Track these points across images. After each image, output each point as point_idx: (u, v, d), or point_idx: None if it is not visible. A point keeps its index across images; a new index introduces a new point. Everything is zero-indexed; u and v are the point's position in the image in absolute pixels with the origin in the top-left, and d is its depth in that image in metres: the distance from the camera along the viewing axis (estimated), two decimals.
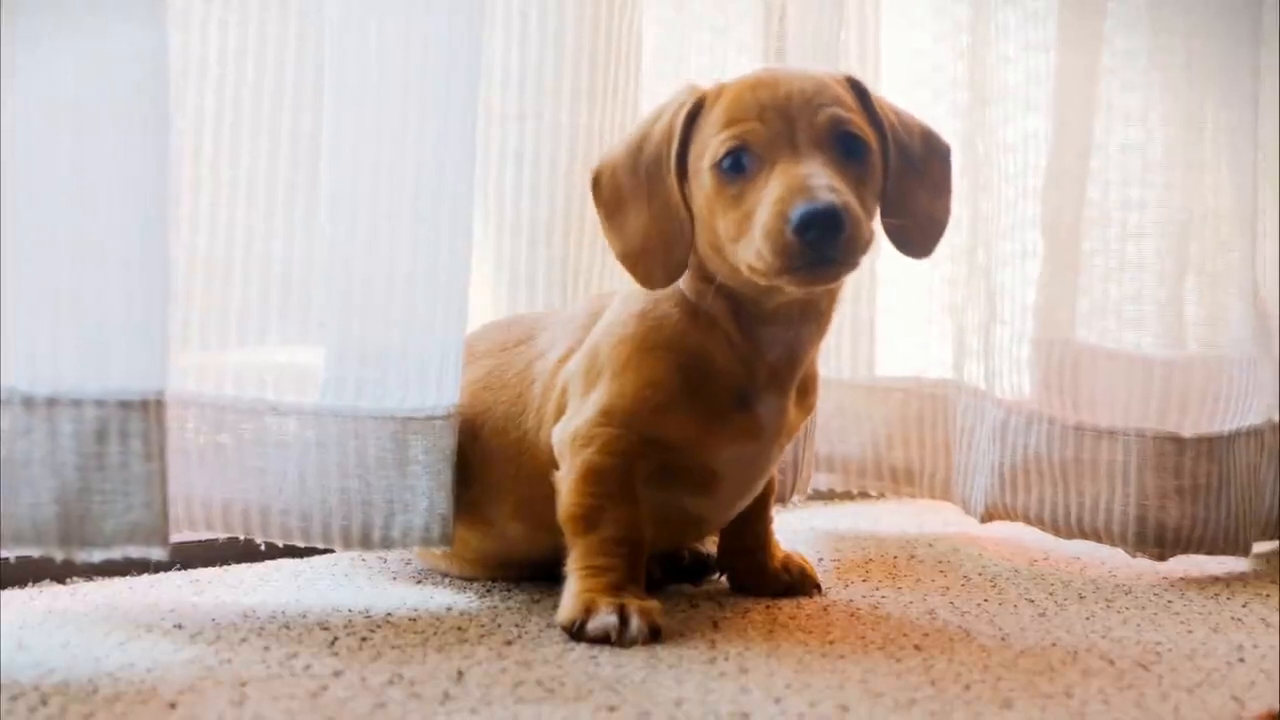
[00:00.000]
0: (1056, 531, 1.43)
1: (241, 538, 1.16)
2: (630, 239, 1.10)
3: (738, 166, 1.04)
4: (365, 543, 1.15)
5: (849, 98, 1.08)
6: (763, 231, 1.00)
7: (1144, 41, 1.44)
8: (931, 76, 1.59)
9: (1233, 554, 1.42)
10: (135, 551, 0.98)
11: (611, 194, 1.11)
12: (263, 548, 1.21)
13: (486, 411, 1.18)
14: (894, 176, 1.10)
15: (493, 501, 1.18)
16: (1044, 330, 1.46)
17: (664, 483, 1.12)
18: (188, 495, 1.14)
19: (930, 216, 1.13)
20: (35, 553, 0.97)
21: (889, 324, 1.65)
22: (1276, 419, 1.49)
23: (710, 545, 1.29)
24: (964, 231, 1.53)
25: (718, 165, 1.05)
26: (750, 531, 1.23)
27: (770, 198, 1.01)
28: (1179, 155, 1.44)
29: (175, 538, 1.25)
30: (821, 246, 0.99)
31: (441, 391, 1.15)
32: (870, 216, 1.06)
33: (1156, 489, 1.39)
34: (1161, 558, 1.40)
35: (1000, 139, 1.48)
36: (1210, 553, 1.40)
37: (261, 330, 1.17)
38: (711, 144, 1.05)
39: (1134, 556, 1.41)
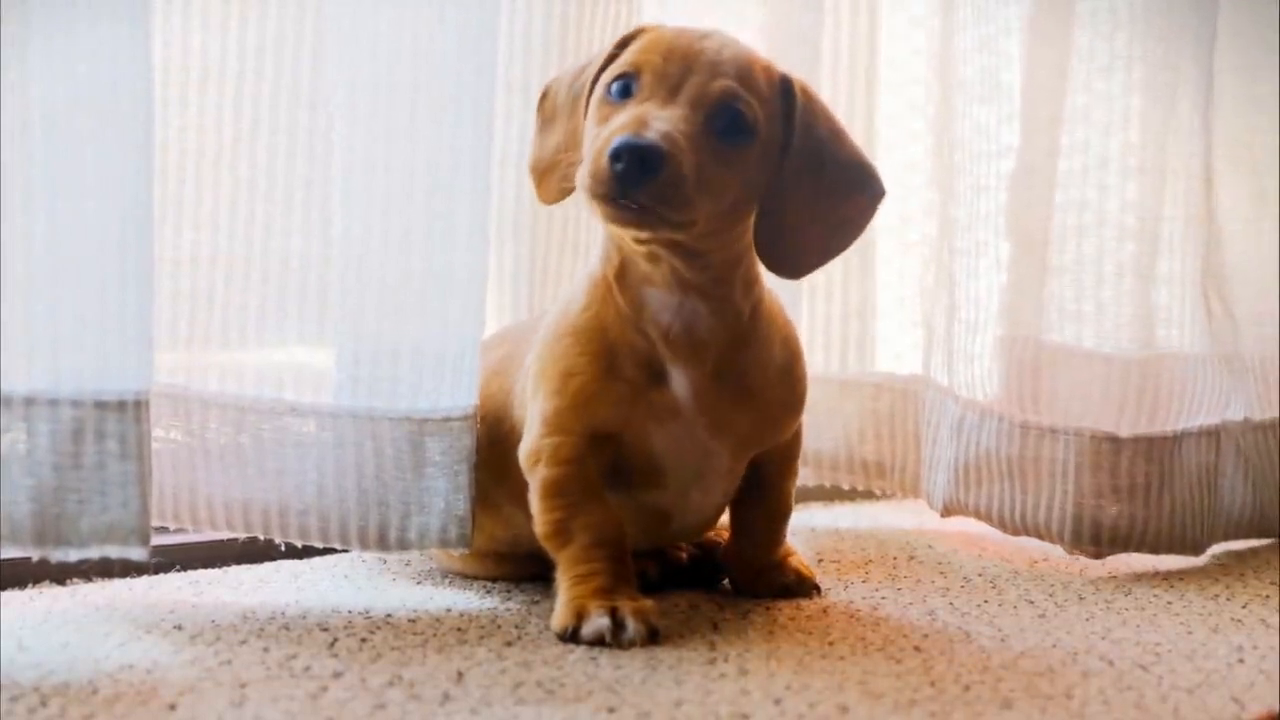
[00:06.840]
0: (1004, 528, 1.43)
1: (244, 537, 1.16)
2: (544, 152, 1.13)
3: (624, 92, 1.05)
4: (382, 544, 1.15)
5: (764, 87, 1.07)
6: (590, 152, 1.02)
7: (1112, 45, 1.43)
8: (926, 76, 1.58)
9: (1180, 554, 1.41)
10: (114, 551, 0.98)
11: (549, 108, 1.15)
12: (266, 545, 1.22)
13: (490, 398, 1.19)
14: (784, 184, 1.08)
15: (495, 484, 1.18)
16: (1006, 328, 1.46)
17: (616, 480, 1.12)
18: (209, 495, 1.14)
19: (806, 242, 1.10)
20: (12, 551, 0.98)
21: (874, 321, 1.64)
22: (1257, 418, 1.49)
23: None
24: (934, 231, 1.53)
25: (608, 85, 1.06)
26: (756, 538, 1.22)
27: (612, 124, 1.02)
28: (1137, 158, 1.43)
29: (182, 538, 1.26)
30: (627, 181, 0.98)
31: (458, 392, 1.15)
32: (719, 198, 1.04)
33: (1093, 487, 1.39)
34: (1098, 555, 1.40)
35: (969, 143, 1.47)
36: (1154, 552, 1.40)
37: (280, 329, 1.17)
38: (613, 66, 1.07)
39: (1071, 554, 1.41)
